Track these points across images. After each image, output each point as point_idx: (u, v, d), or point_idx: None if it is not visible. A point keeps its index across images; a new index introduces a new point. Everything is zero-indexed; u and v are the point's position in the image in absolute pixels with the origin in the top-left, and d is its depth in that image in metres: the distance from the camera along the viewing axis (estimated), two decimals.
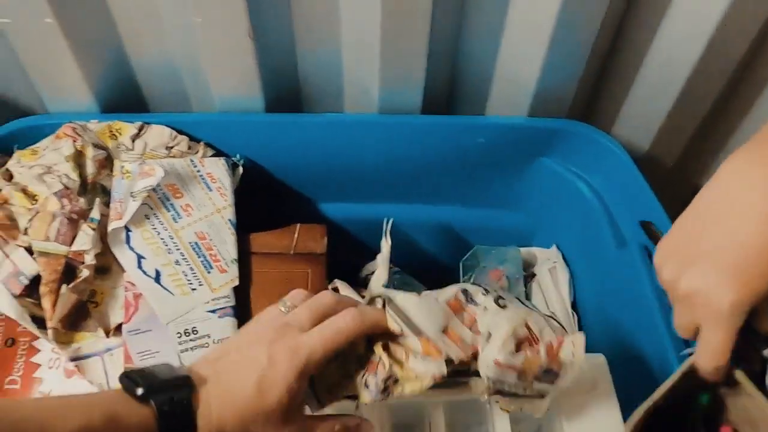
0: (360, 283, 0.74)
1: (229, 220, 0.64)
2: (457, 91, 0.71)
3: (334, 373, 0.40)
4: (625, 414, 0.49)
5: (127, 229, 0.59)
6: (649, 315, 0.57)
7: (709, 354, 0.34)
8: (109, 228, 0.58)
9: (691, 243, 0.34)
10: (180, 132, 0.67)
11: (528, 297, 0.76)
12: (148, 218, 0.60)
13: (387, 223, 0.68)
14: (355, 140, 0.69)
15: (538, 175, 0.73)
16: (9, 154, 0.64)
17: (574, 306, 0.73)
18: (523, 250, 0.79)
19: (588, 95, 0.73)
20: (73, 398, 0.34)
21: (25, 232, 0.56)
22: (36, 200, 0.57)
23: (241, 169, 0.69)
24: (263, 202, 0.74)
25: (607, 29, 0.65)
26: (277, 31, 0.64)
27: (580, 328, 0.71)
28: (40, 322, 0.55)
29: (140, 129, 0.65)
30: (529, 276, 0.78)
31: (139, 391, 0.33)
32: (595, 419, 0.49)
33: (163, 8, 0.61)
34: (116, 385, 0.54)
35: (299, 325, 0.38)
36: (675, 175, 0.81)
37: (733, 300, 0.31)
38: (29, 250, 0.56)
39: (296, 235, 0.67)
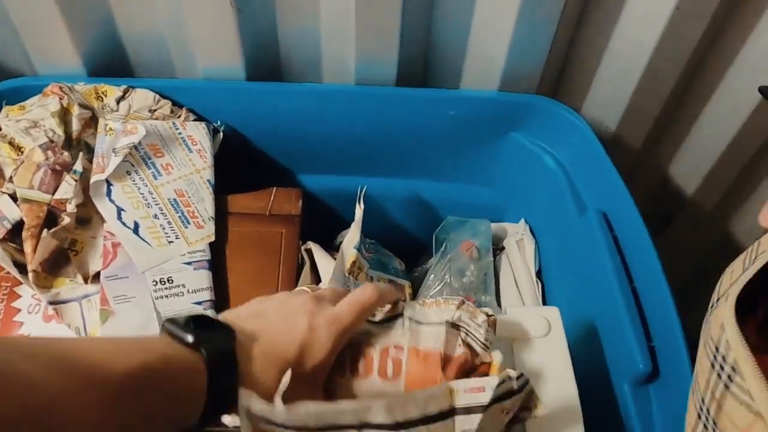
0: (334, 248, 0.76)
1: (208, 180, 0.67)
2: (432, 65, 0.74)
3: None
4: (575, 362, 0.52)
5: (109, 183, 0.61)
6: (603, 274, 0.60)
7: None
8: (92, 180, 0.61)
9: None
10: (164, 97, 0.70)
11: (496, 269, 0.79)
12: (129, 174, 0.63)
13: (361, 189, 0.71)
14: (331, 110, 0.73)
15: (508, 150, 0.76)
16: None
17: (540, 275, 0.75)
18: (494, 225, 0.82)
19: (557, 74, 0.76)
20: (122, 340, 0.34)
21: (10, 180, 0.58)
22: (22, 152, 0.60)
23: (221, 135, 0.72)
24: (241, 170, 0.76)
25: (573, 8, 0.69)
26: (259, 3, 0.67)
27: (544, 295, 0.74)
28: (21, 267, 0.58)
29: (125, 92, 0.68)
30: (498, 249, 0.81)
31: (189, 338, 0.33)
32: (545, 360, 0.52)
33: None
34: (111, 330, 0.57)
35: (331, 299, 0.41)
36: (645, 158, 0.85)
37: None
38: (13, 198, 0.58)
39: (272, 197, 0.69)
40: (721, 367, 0.33)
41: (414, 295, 0.81)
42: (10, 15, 0.65)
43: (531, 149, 0.75)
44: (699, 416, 0.36)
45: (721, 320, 0.33)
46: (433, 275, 0.78)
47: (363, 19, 0.66)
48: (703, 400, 0.35)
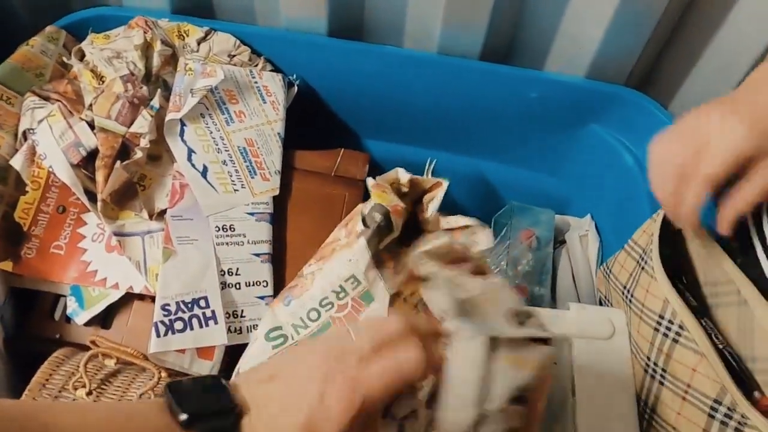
0: None
1: (278, 133, 0.66)
2: (518, 42, 0.71)
3: None
4: None
5: (183, 123, 0.61)
6: None
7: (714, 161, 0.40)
8: (167, 118, 0.60)
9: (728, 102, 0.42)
10: (243, 43, 0.69)
11: (555, 262, 0.77)
12: (203, 117, 0.63)
13: (430, 163, 0.69)
14: (409, 77, 0.70)
15: (584, 140, 0.73)
16: (80, 40, 0.67)
17: None
18: (557, 216, 0.79)
19: (650, 65, 0.72)
20: (114, 410, 0.31)
21: (89, 108, 0.59)
22: (103, 81, 0.60)
23: (295, 89, 0.70)
24: (311, 126, 0.75)
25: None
26: None
27: None
28: (90, 196, 0.58)
29: (207, 34, 0.67)
30: (558, 242, 0.79)
31: (183, 417, 0.30)
32: (606, 363, 0.50)
33: None
34: (171, 269, 0.56)
35: (359, 354, 0.32)
36: None
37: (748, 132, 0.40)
38: (91, 126, 0.58)
39: (339, 159, 0.68)
40: (668, 329, 0.46)
41: None
42: None
43: (610, 143, 0.72)
44: (645, 371, 0.48)
45: (664, 295, 0.47)
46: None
47: None
48: (648, 358, 0.48)
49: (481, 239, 0.48)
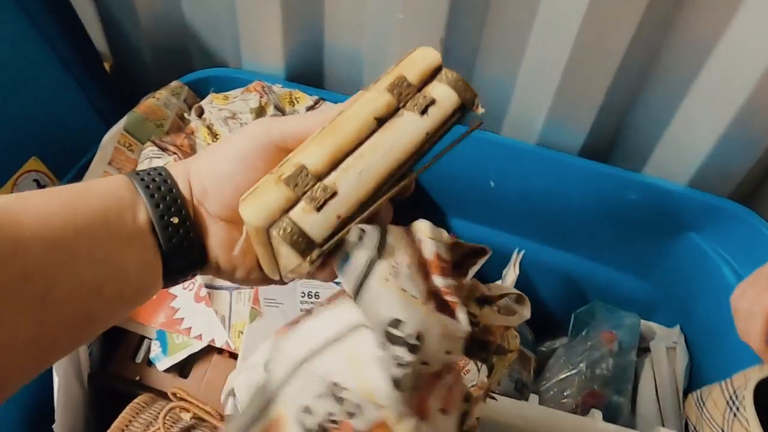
0: None
1: None
2: (620, 142, 0.70)
3: None
4: None
5: None
6: None
7: None
8: None
9: None
10: None
11: (637, 371, 0.73)
12: None
13: (518, 253, 0.68)
14: (506, 164, 0.71)
15: (681, 249, 0.70)
16: (200, 96, 0.71)
17: (687, 394, 0.68)
18: (642, 322, 0.75)
19: (758, 180, 0.69)
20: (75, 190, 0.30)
21: None
22: (217, 138, 0.64)
23: None
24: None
25: None
26: (464, 43, 0.67)
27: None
28: None
29: (316, 102, 0.70)
30: (642, 349, 0.75)
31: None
32: None
33: (372, 0, 0.66)
34: (255, 330, 0.57)
35: None
36: None
37: None
38: None
39: None
40: None
41: (538, 371, 0.76)
42: (237, 9, 0.70)
43: (708, 254, 0.69)
44: None
45: None
46: (564, 358, 0.73)
47: (567, 84, 0.63)
48: None
49: (524, 311, 0.44)
